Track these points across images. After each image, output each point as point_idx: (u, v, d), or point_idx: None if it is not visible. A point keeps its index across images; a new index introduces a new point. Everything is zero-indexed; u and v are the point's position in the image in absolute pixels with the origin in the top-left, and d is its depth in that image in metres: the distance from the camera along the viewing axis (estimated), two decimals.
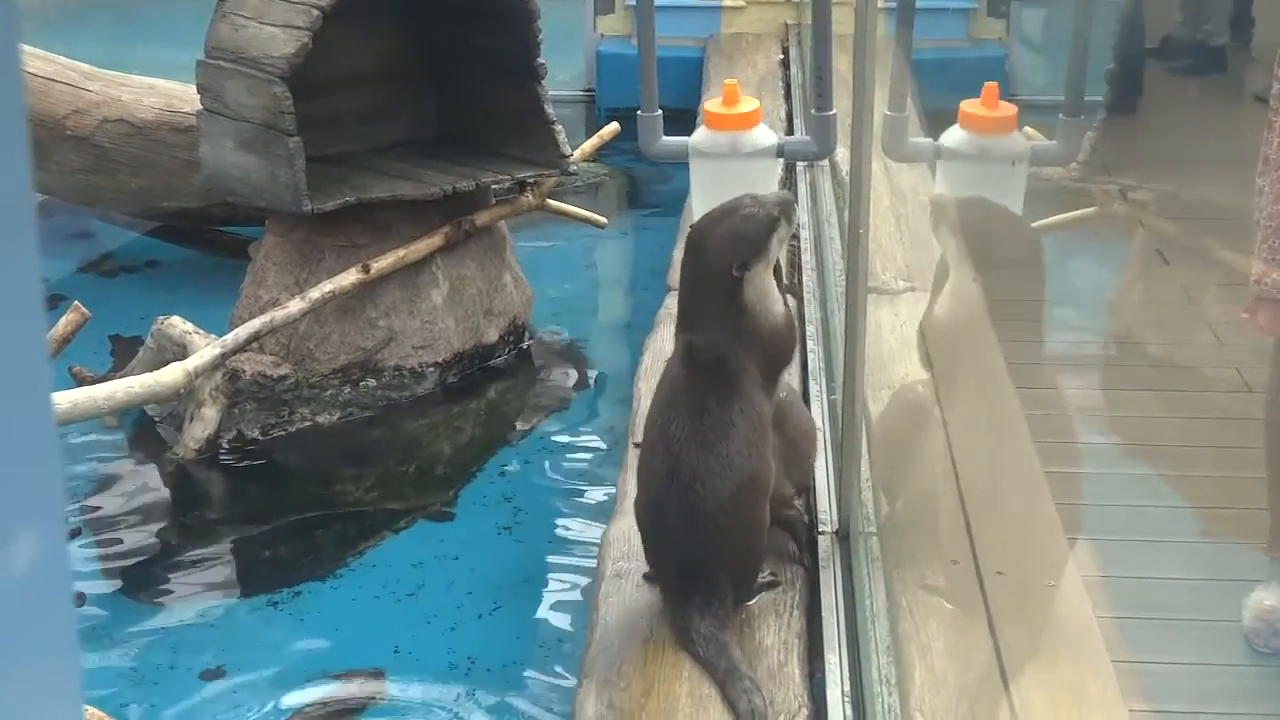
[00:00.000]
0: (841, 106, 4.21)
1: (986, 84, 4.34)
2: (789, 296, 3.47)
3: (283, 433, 5.48)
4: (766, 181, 4.49)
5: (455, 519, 5.07)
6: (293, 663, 4.23)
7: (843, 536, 3.72)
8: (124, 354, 5.81)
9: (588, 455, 5.45)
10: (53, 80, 6.74)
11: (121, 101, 6.80)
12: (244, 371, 5.42)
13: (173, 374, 4.96)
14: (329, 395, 5.62)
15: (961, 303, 3.53)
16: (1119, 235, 5.36)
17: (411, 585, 4.59)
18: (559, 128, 6.00)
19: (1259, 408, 3.63)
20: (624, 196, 8.37)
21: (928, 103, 4.96)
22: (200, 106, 5.77)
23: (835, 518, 3.78)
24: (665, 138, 4.83)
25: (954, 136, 4.41)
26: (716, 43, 9.43)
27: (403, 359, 5.73)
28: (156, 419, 5.48)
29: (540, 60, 5.90)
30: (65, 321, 4.86)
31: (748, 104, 4.71)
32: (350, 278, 5.51)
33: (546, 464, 5.40)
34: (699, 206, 3.90)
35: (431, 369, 5.79)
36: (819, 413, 4.43)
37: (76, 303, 4.91)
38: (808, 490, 3.86)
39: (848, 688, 3.16)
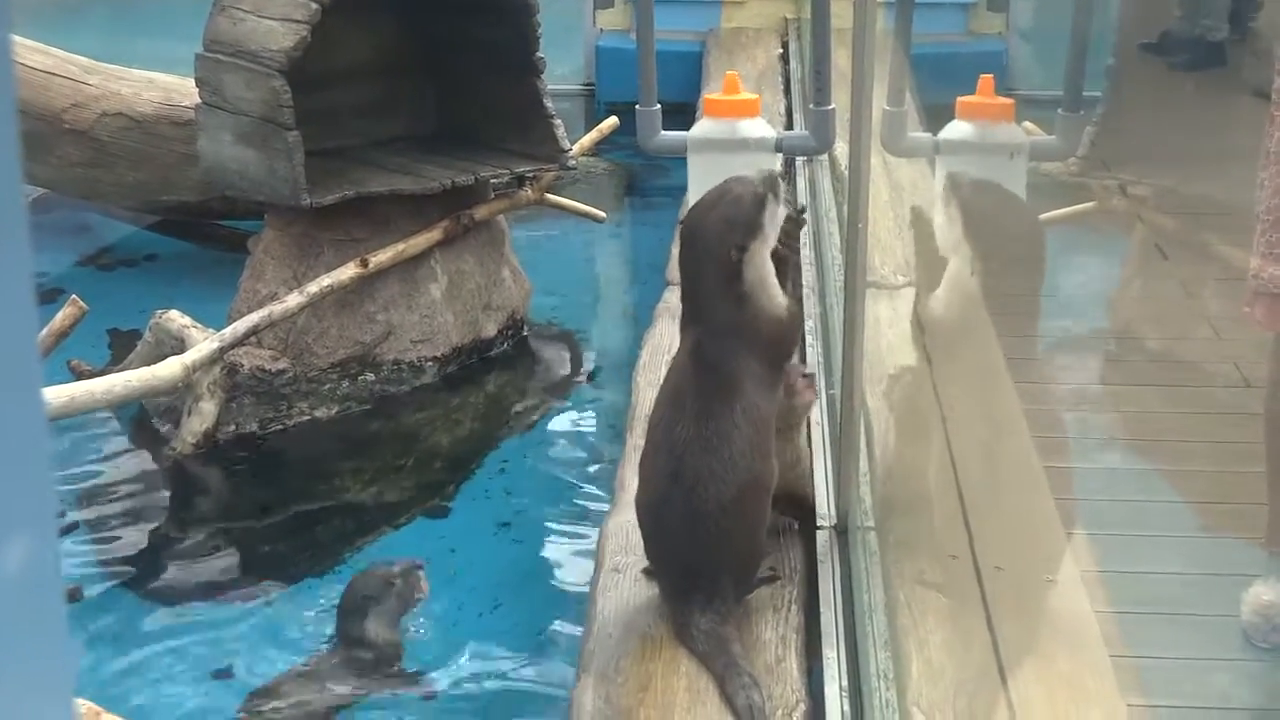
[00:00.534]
0: (840, 101, 4.21)
1: (982, 76, 4.34)
2: (790, 287, 3.44)
3: (281, 427, 5.48)
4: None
5: (454, 512, 5.07)
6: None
7: (841, 531, 3.72)
8: (122, 348, 5.80)
9: (586, 449, 5.45)
10: (52, 74, 6.73)
11: (120, 95, 6.79)
12: (242, 365, 5.42)
13: (171, 368, 4.95)
14: (327, 389, 5.62)
15: (960, 295, 3.53)
16: (1118, 230, 5.36)
17: None
18: (558, 122, 6.00)
19: (1257, 402, 3.62)
20: (623, 191, 8.37)
21: (926, 98, 4.96)
22: (199, 100, 5.76)
23: (833, 512, 3.77)
24: (664, 132, 4.83)
25: (953, 130, 4.41)
26: (716, 37, 9.42)
27: (401, 353, 5.73)
28: (154, 413, 5.47)
29: (539, 54, 5.90)
30: (63, 315, 4.86)
31: (747, 94, 4.72)
32: (349, 272, 5.51)
33: (545, 458, 5.40)
34: (696, 200, 3.89)
35: (430, 363, 5.79)
36: (818, 408, 4.43)
37: (74, 296, 4.92)
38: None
39: (845, 682, 3.16)
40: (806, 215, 3.48)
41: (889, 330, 4.54)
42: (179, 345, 5.15)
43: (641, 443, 3.51)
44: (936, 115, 4.62)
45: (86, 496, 5.06)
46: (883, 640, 3.21)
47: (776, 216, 3.34)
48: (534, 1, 5.82)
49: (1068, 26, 4.55)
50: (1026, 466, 3.36)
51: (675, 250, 3.40)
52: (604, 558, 3.72)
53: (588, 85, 9.74)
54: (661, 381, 3.49)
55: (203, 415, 5.16)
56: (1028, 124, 4.77)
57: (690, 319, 3.38)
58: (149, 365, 5.01)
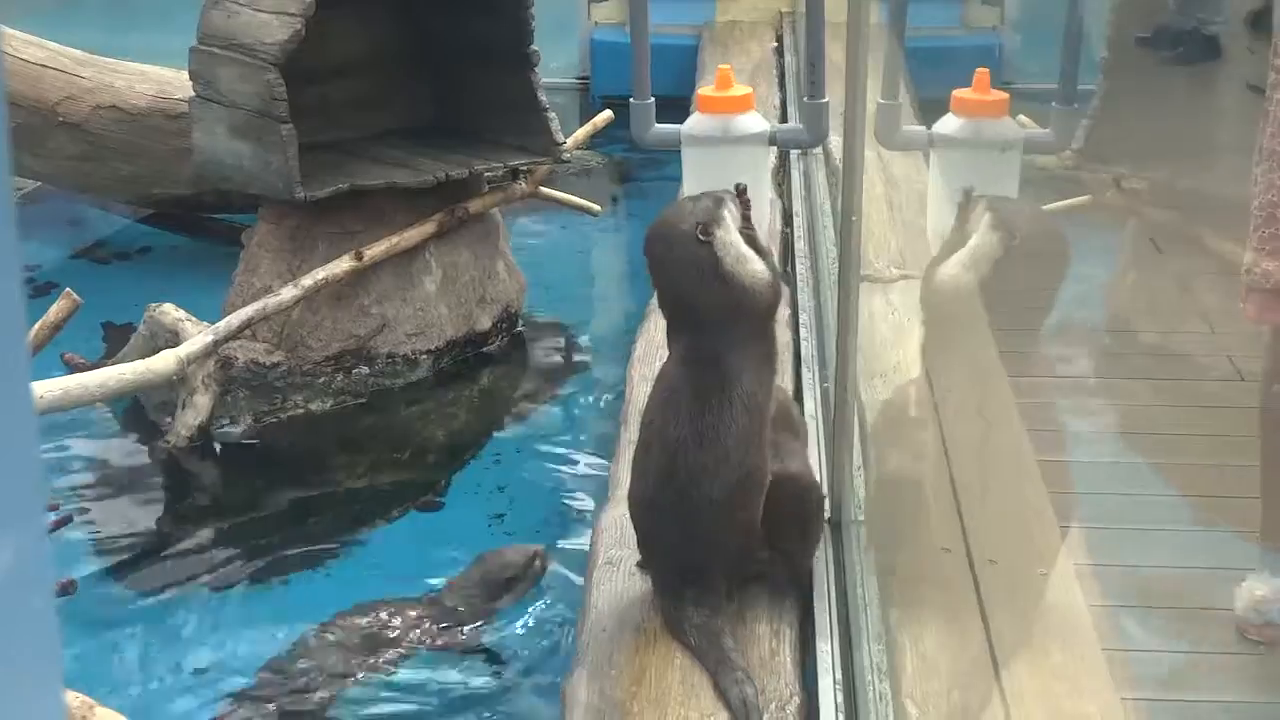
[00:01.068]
0: (835, 95, 4.20)
1: (978, 70, 4.34)
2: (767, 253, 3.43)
3: (275, 420, 5.48)
4: (758, 168, 4.49)
5: (447, 506, 5.07)
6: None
7: (835, 524, 3.71)
8: (116, 341, 5.80)
9: (580, 442, 5.45)
10: (45, 67, 6.72)
11: (114, 88, 6.79)
12: (236, 359, 5.41)
13: (165, 361, 4.95)
14: (322, 383, 5.62)
15: (959, 289, 3.53)
16: (1112, 224, 5.36)
17: (404, 572, 4.59)
18: (552, 115, 6.00)
19: (1251, 396, 3.62)
20: (617, 184, 8.37)
21: (921, 91, 4.96)
22: (193, 93, 5.76)
23: (827, 506, 3.77)
24: (658, 125, 4.82)
25: (947, 124, 4.41)
26: (710, 31, 9.42)
27: (395, 346, 5.73)
28: (149, 407, 5.47)
29: (533, 47, 5.90)
30: (57, 308, 4.85)
31: (740, 89, 4.71)
32: (343, 265, 5.51)
33: (539, 451, 5.39)
34: (690, 193, 3.89)
35: (424, 356, 5.79)
36: (812, 401, 4.43)
37: (68, 290, 4.90)
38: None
39: (839, 675, 3.16)
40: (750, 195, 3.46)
41: (883, 323, 4.54)
42: (173, 338, 5.15)
43: (636, 436, 3.50)
44: (931, 109, 4.62)
45: (80, 490, 5.06)
46: (876, 633, 3.21)
47: (734, 211, 3.34)
48: None
49: (1062, 20, 4.55)
50: (1019, 460, 3.36)
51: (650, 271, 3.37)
52: (598, 551, 3.72)
53: (582, 79, 9.74)
54: (654, 382, 3.47)
55: (197, 408, 5.16)
56: (1022, 117, 4.77)
57: (677, 328, 3.36)
58: (143, 358, 5.01)
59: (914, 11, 5.04)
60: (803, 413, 4.30)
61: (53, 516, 4.79)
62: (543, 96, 5.97)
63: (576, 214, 6.99)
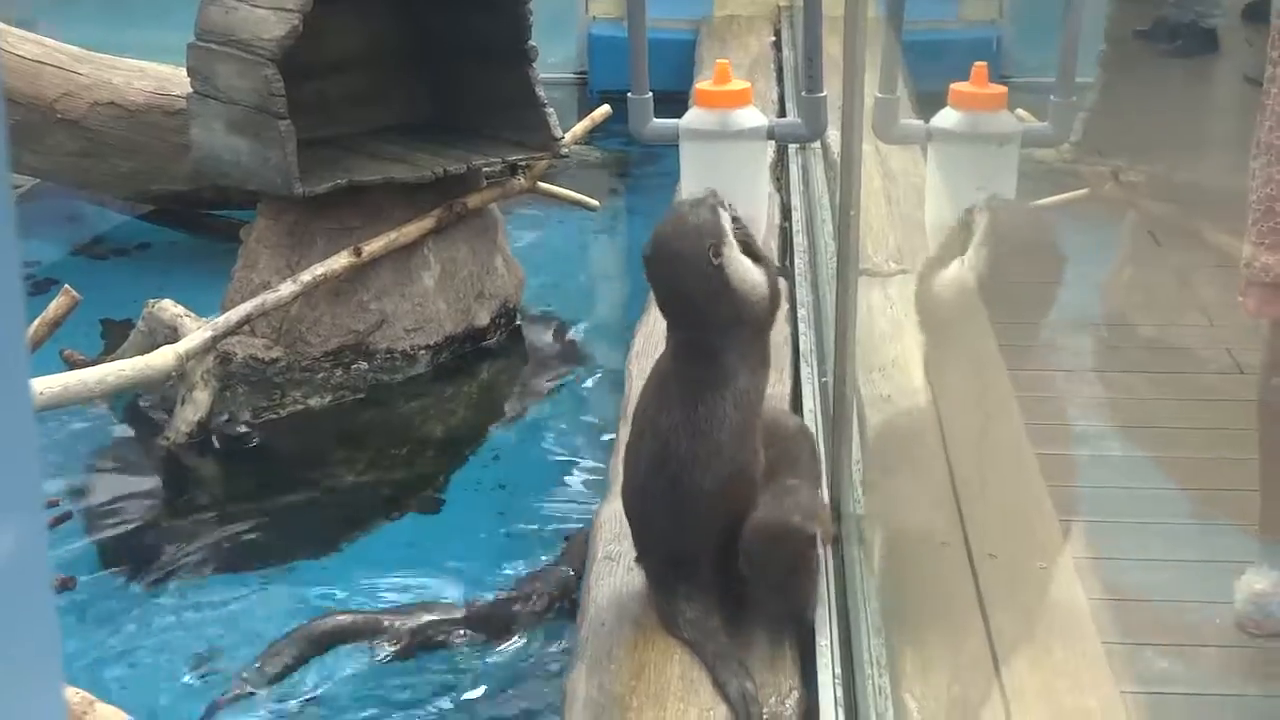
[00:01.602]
0: (833, 89, 4.20)
1: (976, 63, 4.34)
2: (766, 263, 3.42)
3: (274, 416, 5.48)
4: (757, 163, 4.47)
5: (447, 501, 5.07)
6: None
7: (834, 518, 3.71)
8: (115, 337, 5.81)
9: (579, 437, 5.45)
10: (42, 63, 6.72)
11: (112, 85, 6.78)
12: (235, 355, 5.42)
13: (164, 357, 4.95)
14: (320, 378, 5.62)
15: (959, 284, 3.53)
16: (1111, 217, 5.36)
17: (404, 568, 4.59)
18: (550, 110, 6.00)
19: (1250, 389, 3.62)
20: (615, 179, 8.37)
21: (919, 84, 4.95)
22: (191, 90, 5.76)
23: (825, 499, 3.77)
24: (656, 120, 4.81)
25: (945, 117, 4.40)
26: (708, 25, 9.42)
27: (394, 341, 5.73)
28: (148, 403, 5.47)
29: (531, 42, 5.90)
30: (56, 305, 4.85)
31: (738, 84, 4.70)
32: (342, 261, 5.51)
33: (538, 446, 5.40)
34: (688, 188, 3.88)
35: (423, 351, 5.79)
36: (810, 395, 4.43)
37: (67, 286, 4.92)
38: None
39: (839, 669, 3.15)
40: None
41: (881, 318, 4.54)
42: (172, 334, 5.15)
43: None
44: (929, 103, 4.62)
45: (79, 486, 5.06)
46: (875, 627, 3.21)
47: (728, 217, 3.33)
48: None
49: (1060, 13, 4.55)
50: (1019, 453, 3.36)
51: (649, 278, 3.35)
52: (597, 547, 3.72)
53: (580, 73, 9.74)
54: (649, 374, 3.46)
55: (196, 404, 5.16)
56: (1020, 111, 4.77)
57: (676, 329, 3.34)
58: (142, 355, 5.01)
59: (911, 5, 5.03)
60: (802, 412, 4.30)
61: (52, 513, 4.79)
62: (541, 91, 5.97)
63: (575, 209, 7.00)
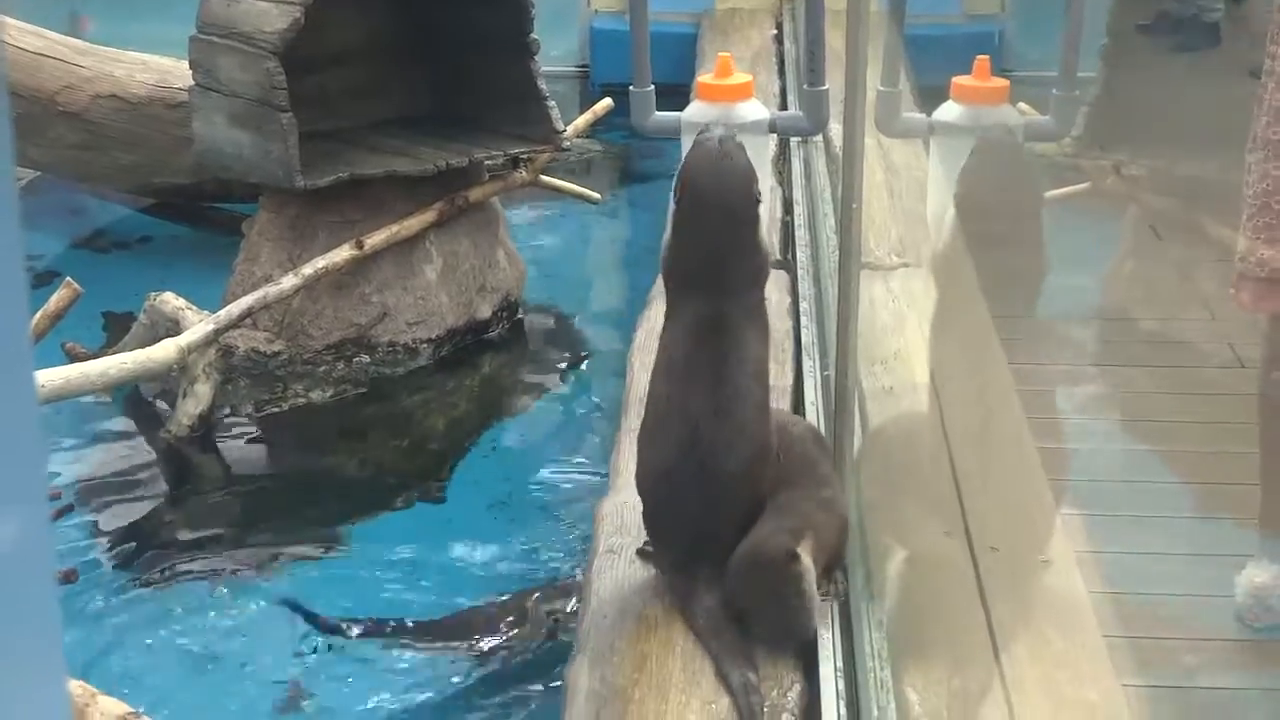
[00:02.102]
0: (835, 82, 4.20)
1: (978, 57, 4.34)
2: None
3: (276, 409, 5.48)
4: (759, 156, 4.48)
5: (449, 494, 5.07)
6: (285, 638, 4.23)
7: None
8: (117, 330, 5.80)
9: (581, 430, 5.45)
10: (44, 56, 6.71)
11: (114, 77, 6.78)
12: (237, 348, 5.42)
13: (166, 350, 4.95)
14: (322, 371, 5.62)
15: (955, 274, 3.53)
16: (1112, 211, 5.35)
17: (406, 560, 4.60)
18: (552, 103, 6.00)
19: (1251, 383, 3.63)
20: (617, 172, 8.37)
21: (921, 78, 4.96)
22: (193, 82, 5.76)
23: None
24: (658, 113, 4.82)
25: (947, 111, 4.41)
26: (710, 18, 9.41)
27: (396, 335, 5.73)
28: (149, 396, 5.47)
29: (533, 35, 5.90)
30: (58, 298, 4.86)
31: (740, 77, 4.71)
32: (343, 254, 5.51)
33: (539, 439, 5.40)
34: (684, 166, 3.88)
35: (425, 345, 5.79)
36: (812, 388, 4.43)
37: (69, 279, 4.92)
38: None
39: (840, 663, 3.16)
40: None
41: (883, 311, 4.54)
42: (174, 327, 5.15)
43: (637, 424, 3.48)
44: (931, 96, 4.62)
45: (82, 479, 5.06)
46: (877, 620, 3.21)
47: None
48: None
49: (1062, 7, 4.55)
50: (1020, 447, 3.36)
51: (674, 228, 3.28)
52: (599, 539, 3.72)
53: (582, 67, 9.73)
54: (658, 351, 3.40)
55: (198, 397, 5.16)
56: (1022, 105, 4.77)
57: (690, 291, 3.27)
58: (144, 347, 5.01)
59: None
60: (804, 405, 4.31)
61: (54, 506, 4.80)
62: (542, 85, 5.96)
63: (577, 202, 6.99)
